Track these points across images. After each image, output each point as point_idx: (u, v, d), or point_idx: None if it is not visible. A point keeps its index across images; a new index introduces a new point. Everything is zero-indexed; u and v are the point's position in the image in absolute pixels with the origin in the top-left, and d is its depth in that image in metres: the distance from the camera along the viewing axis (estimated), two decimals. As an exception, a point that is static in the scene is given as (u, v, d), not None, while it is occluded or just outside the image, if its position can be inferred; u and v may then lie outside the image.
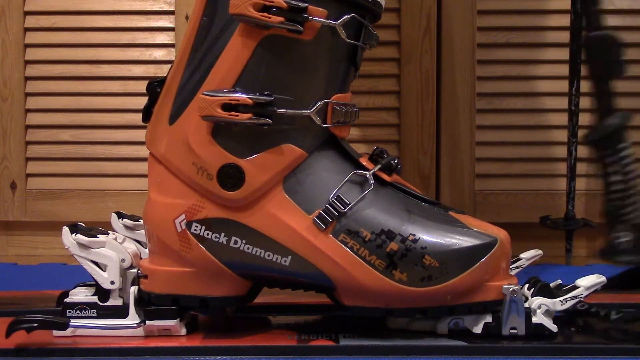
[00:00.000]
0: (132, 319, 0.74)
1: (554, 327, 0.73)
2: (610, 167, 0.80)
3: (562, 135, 1.15)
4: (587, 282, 0.75)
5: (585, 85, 1.14)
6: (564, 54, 1.13)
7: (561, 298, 0.74)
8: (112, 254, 0.74)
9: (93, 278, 0.74)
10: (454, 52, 1.17)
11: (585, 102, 1.14)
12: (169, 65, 0.75)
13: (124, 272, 0.75)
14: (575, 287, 0.75)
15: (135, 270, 0.76)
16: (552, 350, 0.71)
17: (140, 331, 0.74)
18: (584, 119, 1.14)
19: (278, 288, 0.77)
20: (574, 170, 1.12)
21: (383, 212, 0.71)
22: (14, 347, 0.70)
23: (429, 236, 0.70)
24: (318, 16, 0.69)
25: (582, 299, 0.75)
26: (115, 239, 0.77)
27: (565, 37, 1.12)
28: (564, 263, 1.16)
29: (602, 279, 0.76)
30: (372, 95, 1.19)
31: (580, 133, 1.13)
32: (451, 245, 0.70)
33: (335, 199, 0.70)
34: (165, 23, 1.20)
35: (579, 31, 1.10)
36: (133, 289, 0.74)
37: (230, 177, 0.70)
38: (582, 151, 1.14)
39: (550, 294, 0.74)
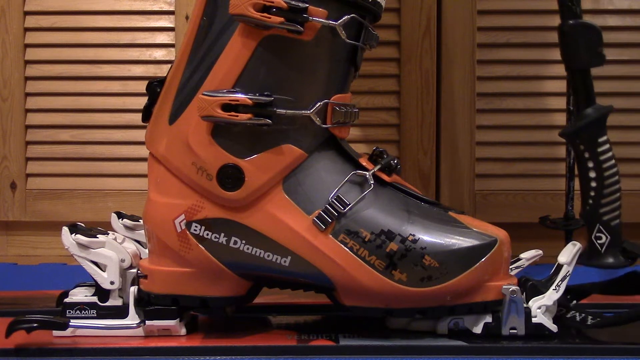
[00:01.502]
0: (132, 319, 0.74)
1: (554, 327, 0.73)
2: (588, 162, 0.75)
3: (562, 135, 1.15)
4: (567, 257, 0.75)
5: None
6: (564, 53, 1.12)
7: (553, 286, 0.73)
8: (111, 254, 0.74)
9: (93, 278, 0.74)
10: (454, 52, 1.17)
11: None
12: (169, 65, 0.75)
13: (123, 272, 0.75)
14: (560, 267, 0.75)
15: (135, 270, 0.76)
16: (552, 350, 0.71)
17: (140, 331, 0.74)
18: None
19: (278, 288, 0.77)
20: (572, 170, 1.12)
21: (383, 212, 0.71)
22: (14, 347, 0.70)
23: (429, 236, 0.70)
24: (318, 16, 0.69)
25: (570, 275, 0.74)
26: (115, 239, 0.77)
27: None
28: (564, 263, 1.16)
29: (578, 245, 0.75)
30: (372, 95, 1.19)
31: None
32: (451, 246, 0.71)
33: (335, 199, 0.70)
34: (165, 23, 1.20)
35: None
36: (133, 289, 0.74)
37: (230, 177, 0.70)
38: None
39: (540, 290, 0.74)
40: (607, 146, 0.75)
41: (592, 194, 0.76)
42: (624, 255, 0.77)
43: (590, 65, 0.77)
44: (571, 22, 0.77)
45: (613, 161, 0.75)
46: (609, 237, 0.76)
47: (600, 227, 0.76)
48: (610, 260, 0.76)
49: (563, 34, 0.77)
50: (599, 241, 0.76)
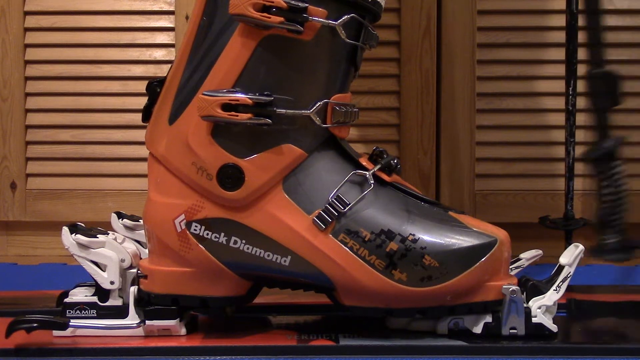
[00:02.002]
0: (132, 319, 0.74)
1: (554, 327, 0.73)
2: (604, 181, 0.89)
3: (562, 135, 1.15)
4: (568, 258, 0.75)
5: (582, 85, 1.14)
6: (564, 54, 1.12)
7: (554, 287, 0.73)
8: (111, 254, 0.74)
9: (93, 278, 0.74)
10: (454, 52, 1.17)
11: (582, 102, 1.14)
12: (169, 65, 0.75)
13: (123, 272, 0.75)
14: (561, 268, 0.75)
15: (135, 270, 0.76)
16: (552, 350, 0.71)
17: (140, 331, 0.74)
18: (581, 118, 1.13)
19: (278, 288, 0.77)
20: (572, 170, 1.12)
21: (383, 212, 0.71)
22: (14, 347, 0.70)
23: (429, 236, 0.70)
24: (318, 16, 0.69)
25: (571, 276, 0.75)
26: (115, 239, 0.77)
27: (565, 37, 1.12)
28: (564, 263, 1.16)
29: (580, 247, 0.76)
30: (372, 95, 1.19)
31: (578, 133, 1.13)
32: (451, 245, 0.70)
33: (335, 199, 0.70)
34: (165, 23, 1.20)
35: (575, 31, 1.10)
36: (133, 289, 0.74)
37: (230, 177, 0.70)
38: (580, 151, 1.14)
39: (541, 290, 0.74)
40: (621, 167, 0.90)
41: (608, 204, 0.89)
42: (624, 252, 0.89)
43: (612, 105, 0.91)
44: (597, 70, 0.91)
45: (624, 179, 0.90)
46: (616, 236, 0.89)
47: (610, 229, 0.89)
48: (619, 255, 0.89)
49: (590, 80, 0.92)
50: (607, 241, 0.89)
